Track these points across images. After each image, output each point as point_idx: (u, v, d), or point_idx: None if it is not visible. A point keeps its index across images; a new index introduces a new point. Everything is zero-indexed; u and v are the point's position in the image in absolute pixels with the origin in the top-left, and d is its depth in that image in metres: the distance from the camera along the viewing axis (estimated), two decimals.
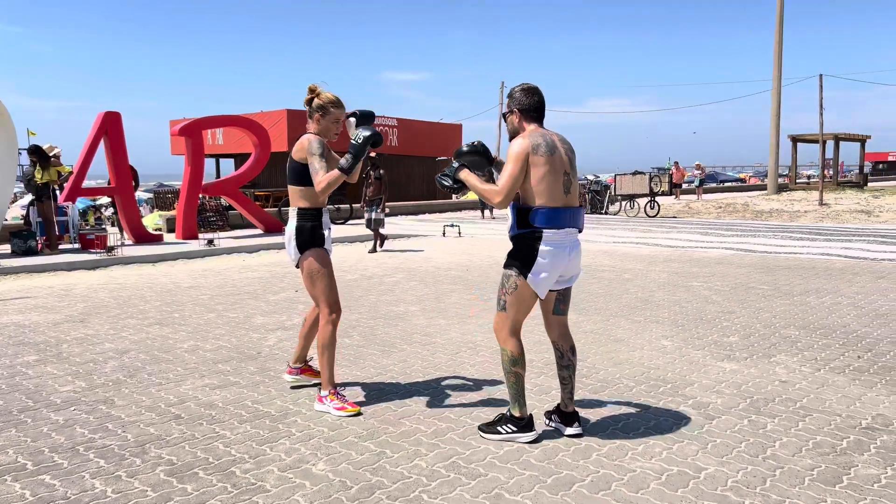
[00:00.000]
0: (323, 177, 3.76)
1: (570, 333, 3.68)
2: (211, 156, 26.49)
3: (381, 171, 11.62)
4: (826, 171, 33.78)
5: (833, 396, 4.13)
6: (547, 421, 3.70)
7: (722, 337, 5.59)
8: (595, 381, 4.46)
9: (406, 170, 25.35)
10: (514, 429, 3.49)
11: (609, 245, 12.46)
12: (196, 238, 12.81)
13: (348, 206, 17.73)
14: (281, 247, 12.14)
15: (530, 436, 3.48)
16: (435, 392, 4.27)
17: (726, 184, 45.42)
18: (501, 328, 3.53)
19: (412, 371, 4.72)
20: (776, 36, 31.70)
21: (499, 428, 3.52)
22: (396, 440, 3.53)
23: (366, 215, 11.63)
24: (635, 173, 21.93)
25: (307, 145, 3.84)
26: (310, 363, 4.44)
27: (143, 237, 12.49)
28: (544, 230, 3.38)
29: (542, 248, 3.37)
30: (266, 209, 16.67)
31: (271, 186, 21.71)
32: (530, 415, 3.54)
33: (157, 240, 12.66)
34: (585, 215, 20.23)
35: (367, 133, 3.78)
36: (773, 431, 3.60)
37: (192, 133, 13.21)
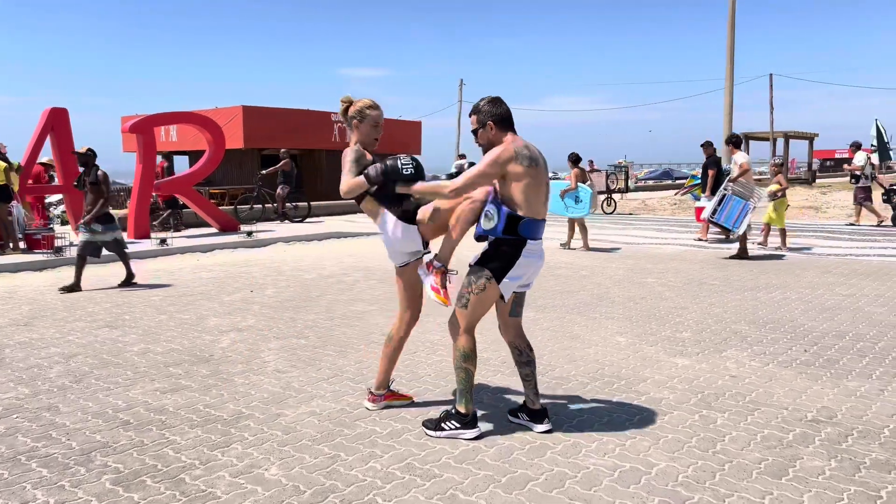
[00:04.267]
0: (349, 181, 3.67)
1: (524, 333, 3.73)
2: (164, 153, 25.94)
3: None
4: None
5: (781, 390, 4.23)
6: (514, 419, 3.72)
7: (675, 332, 5.68)
8: (551, 379, 4.49)
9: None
10: (458, 425, 3.51)
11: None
12: (148, 237, 12.53)
13: (306, 203, 17.54)
14: (236, 245, 11.97)
15: (473, 432, 3.50)
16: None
17: (679, 181, 46.23)
18: (457, 325, 3.54)
19: (369, 372, 4.68)
20: (728, 36, 32.35)
21: (442, 425, 3.54)
22: (351, 442, 3.50)
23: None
24: (592, 171, 22.17)
25: (342, 158, 3.78)
26: (391, 385, 4.06)
27: None
28: (528, 240, 3.42)
29: (522, 255, 3.42)
30: (221, 207, 16.40)
31: (227, 184, 21.36)
32: (474, 411, 3.56)
33: None
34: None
35: (414, 171, 3.56)
36: (723, 426, 3.67)
37: (143, 130, 12.91)
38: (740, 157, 10.55)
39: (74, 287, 7.77)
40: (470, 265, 3.55)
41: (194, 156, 22.46)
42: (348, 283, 8.21)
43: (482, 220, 3.48)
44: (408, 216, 3.71)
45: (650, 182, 41.99)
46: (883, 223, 14.13)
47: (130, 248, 11.17)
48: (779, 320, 6.07)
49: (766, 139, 34.95)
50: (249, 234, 13.11)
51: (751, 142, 42.78)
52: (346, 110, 3.89)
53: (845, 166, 16.28)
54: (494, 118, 3.48)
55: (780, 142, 37.28)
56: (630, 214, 19.25)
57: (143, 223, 12.93)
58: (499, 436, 3.56)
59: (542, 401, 3.74)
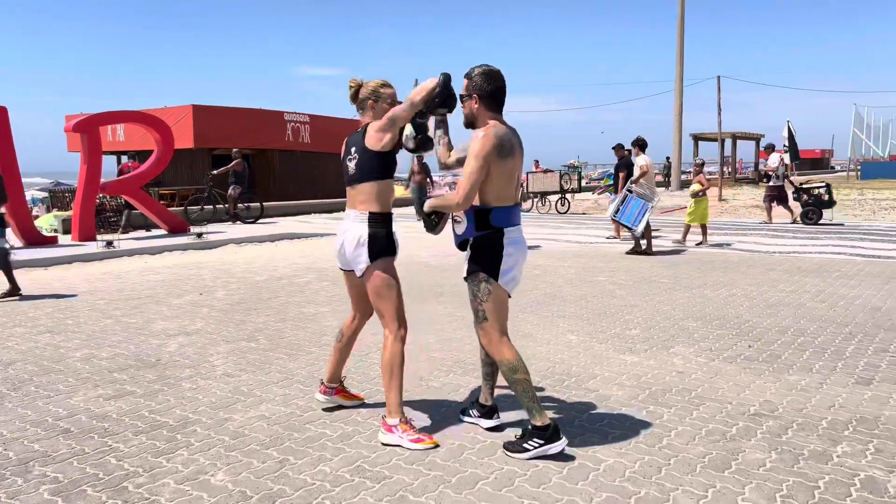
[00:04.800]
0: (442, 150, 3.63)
1: None
2: (112, 153, 25.29)
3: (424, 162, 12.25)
4: (725, 168, 35.50)
5: (725, 385, 4.33)
6: (463, 418, 3.71)
7: (624, 330, 5.77)
8: (502, 378, 4.50)
9: (320, 167, 24.97)
10: (542, 441, 3.23)
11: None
12: (94, 239, 12.19)
13: (258, 204, 17.29)
14: (185, 247, 11.73)
15: (560, 445, 3.23)
16: None
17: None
18: (491, 340, 3.34)
19: (320, 374, 4.63)
20: (678, 38, 33.03)
21: (525, 445, 3.26)
22: (301, 446, 3.46)
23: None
24: (546, 171, 22.39)
25: (380, 125, 3.47)
26: (344, 382, 4.02)
27: (35, 240, 11.78)
28: (505, 228, 3.30)
29: (506, 245, 3.30)
30: (171, 208, 16.06)
31: (177, 185, 20.94)
32: (553, 422, 3.27)
33: (50, 242, 11.97)
34: None
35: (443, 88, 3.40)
36: (668, 421, 3.74)
37: (87, 129, 12.56)
38: (642, 159, 11.13)
39: (13, 291, 7.49)
40: (464, 279, 3.40)
41: (143, 156, 21.97)
42: (301, 285, 8.13)
43: (454, 226, 3.38)
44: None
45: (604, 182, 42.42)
46: (795, 221, 14.88)
47: (76, 251, 10.87)
48: (725, 317, 6.21)
49: (715, 140, 35.77)
50: (199, 235, 12.87)
51: (700, 142, 43.76)
52: (356, 93, 3.67)
53: (760, 167, 17.38)
54: (481, 94, 3.30)
55: (728, 142, 38.19)
56: (583, 214, 19.51)
57: (89, 225, 12.59)
58: (450, 436, 3.56)
59: (495, 399, 3.74)
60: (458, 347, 5.28)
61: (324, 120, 25.10)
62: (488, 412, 3.63)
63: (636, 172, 10.90)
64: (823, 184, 15.03)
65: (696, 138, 44.22)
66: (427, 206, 3.45)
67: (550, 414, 3.85)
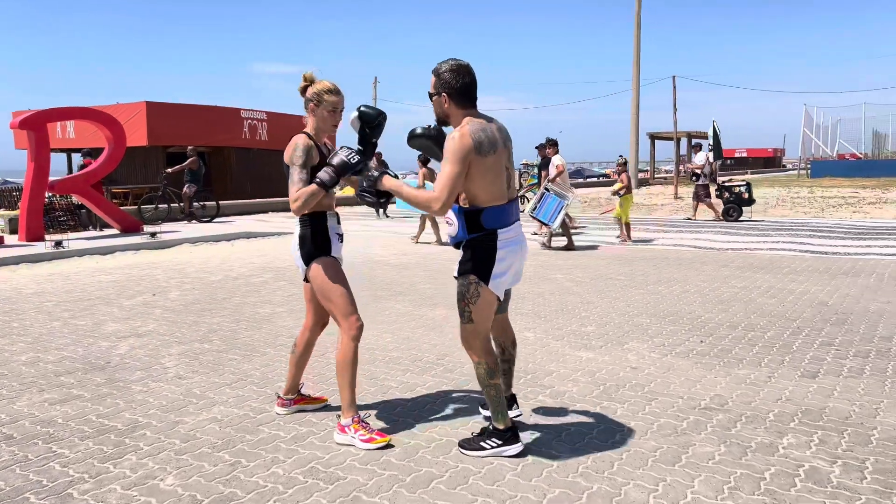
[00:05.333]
0: (300, 191, 3.36)
1: (511, 327, 3.62)
2: (61, 150, 24.64)
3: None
4: (681, 167, 36.15)
5: (677, 380, 4.41)
6: (482, 410, 3.71)
7: (580, 327, 5.83)
8: (459, 376, 4.51)
9: (277, 165, 24.67)
10: (500, 442, 3.26)
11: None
12: (42, 240, 11.85)
13: (214, 203, 17.02)
14: (138, 247, 11.49)
15: (517, 447, 3.27)
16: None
17: (590, 179, 47.59)
18: (472, 341, 3.25)
19: (275, 375, 4.58)
20: (635, 38, 33.50)
21: (482, 443, 3.28)
22: (253, 448, 3.41)
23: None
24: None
25: (291, 152, 3.43)
26: (301, 389, 3.95)
27: None
28: (498, 230, 3.16)
29: (499, 247, 3.16)
30: (124, 207, 15.71)
31: (130, 183, 20.48)
32: (512, 425, 3.30)
33: None
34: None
35: (362, 156, 3.39)
36: (622, 416, 3.79)
37: (35, 126, 12.20)
38: (557, 159, 11.77)
39: None
40: (455, 277, 3.28)
41: (95, 154, 21.44)
42: (256, 285, 8.02)
43: (448, 228, 3.28)
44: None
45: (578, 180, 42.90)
46: (719, 218, 15.53)
47: (24, 251, 10.54)
48: (678, 313, 6.32)
49: (671, 139, 36.40)
50: (153, 234, 12.61)
51: (656, 141, 44.48)
52: (304, 89, 3.56)
53: (687, 165, 18.36)
54: (450, 91, 3.16)
55: (684, 141, 38.87)
56: None
57: (37, 224, 12.23)
58: (405, 435, 3.55)
59: (449, 395, 3.75)
60: (415, 346, 5.27)
61: (281, 117, 24.81)
62: (507, 402, 3.52)
63: (552, 172, 11.54)
64: (744, 182, 15.80)
65: (653, 137, 44.94)
66: (403, 190, 3.23)
67: None
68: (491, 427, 3.32)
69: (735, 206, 15.36)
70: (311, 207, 3.46)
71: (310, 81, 3.56)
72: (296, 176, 3.40)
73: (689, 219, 15.90)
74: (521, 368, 4.67)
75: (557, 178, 11.22)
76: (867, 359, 4.81)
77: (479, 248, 3.17)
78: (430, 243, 11.82)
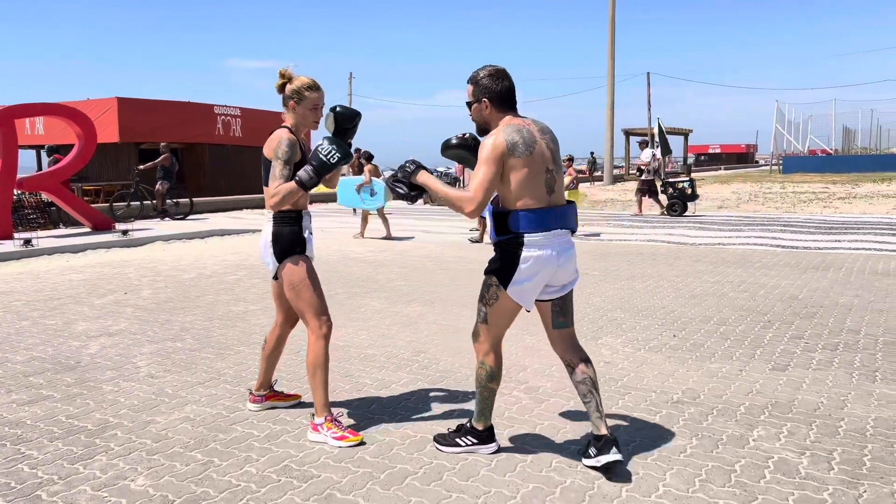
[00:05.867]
0: (279, 187, 3.33)
1: (580, 345, 3.30)
2: (31, 147, 24.19)
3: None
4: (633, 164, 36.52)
5: (650, 374, 4.45)
6: (585, 458, 3.11)
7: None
8: (434, 373, 4.52)
9: (251, 161, 24.46)
10: (475, 441, 3.27)
11: (457, 236, 12.72)
12: (11, 238, 11.63)
13: (188, 200, 16.83)
14: (110, 245, 11.33)
15: (491, 447, 3.28)
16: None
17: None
18: (483, 341, 3.21)
19: (248, 373, 4.54)
20: (609, 35, 33.70)
21: (458, 440, 3.29)
22: (226, 447, 3.38)
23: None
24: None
25: (275, 145, 3.39)
26: (275, 386, 3.97)
27: None
28: (526, 235, 3.01)
29: (524, 254, 3.01)
30: (95, 205, 15.48)
31: (102, 180, 20.17)
32: (491, 426, 3.30)
33: None
34: (441, 207, 20.48)
35: (341, 155, 3.33)
36: None
37: (2, 122, 11.96)
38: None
39: None
40: (484, 272, 3.21)
41: (65, 150, 21.11)
42: (230, 283, 7.95)
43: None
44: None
45: None
46: (663, 213, 16.15)
47: None
48: (651, 307, 6.38)
49: (645, 135, 36.74)
50: (125, 232, 12.44)
51: (631, 137, 44.82)
52: (282, 86, 3.53)
53: (633, 162, 19.00)
54: (491, 95, 3.08)
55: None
56: None
57: (5, 222, 12.00)
58: (379, 433, 3.54)
59: (422, 391, 3.74)
60: (390, 343, 5.26)
61: (255, 113, 24.59)
62: (604, 445, 3.04)
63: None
64: (688, 179, 16.42)
65: (627, 133, 45.33)
66: (437, 187, 3.14)
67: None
68: (469, 425, 3.31)
69: (679, 201, 15.91)
70: (287, 205, 3.43)
71: (287, 79, 3.53)
72: (277, 171, 3.37)
73: (636, 215, 16.32)
74: None
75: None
76: (835, 351, 4.90)
77: (504, 251, 3.07)
78: (377, 238, 12.24)
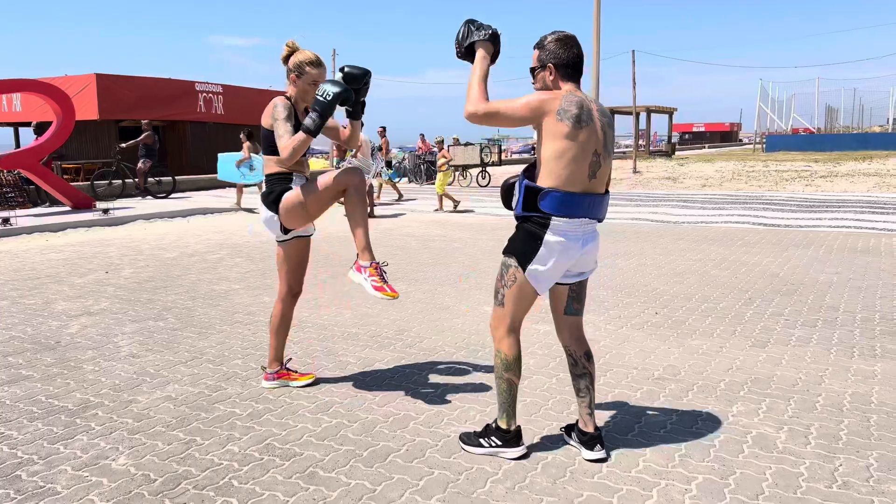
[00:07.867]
0: (287, 141, 3.34)
1: (585, 337, 3.18)
2: (8, 124, 23.80)
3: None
4: (640, 141, 36.54)
5: (632, 351, 4.48)
6: (566, 437, 3.17)
7: (539, 300, 5.85)
8: (418, 350, 4.52)
9: (234, 139, 24.19)
10: (500, 442, 3.03)
11: (441, 215, 12.70)
12: None
13: (171, 178, 16.65)
14: (91, 224, 11.21)
15: (517, 451, 3.02)
16: (253, 372, 4.12)
17: None
18: (498, 326, 3.01)
19: (231, 353, 4.53)
20: (594, 13, 33.52)
21: (482, 441, 3.07)
22: (209, 426, 3.37)
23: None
24: (467, 144, 22.47)
25: (271, 111, 3.45)
26: (288, 365, 3.99)
27: None
28: (553, 217, 2.82)
29: (547, 237, 2.83)
30: (76, 184, 15.28)
31: (82, 158, 19.89)
32: (518, 427, 3.06)
33: None
34: (422, 185, 20.41)
35: (337, 89, 3.29)
36: None
37: None
38: (362, 134, 12.73)
39: None
40: (502, 252, 3.02)
41: (44, 127, 20.77)
42: (213, 262, 7.90)
43: (514, 196, 2.98)
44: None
45: (525, 156, 43.21)
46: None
47: None
48: (634, 285, 6.42)
49: (630, 113, 36.70)
50: (106, 211, 12.30)
51: (616, 115, 44.72)
52: (287, 57, 3.58)
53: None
54: (558, 62, 2.87)
55: (643, 115, 39.24)
56: None
57: None
58: (362, 412, 3.55)
59: (408, 368, 3.74)
60: (374, 322, 5.26)
61: (238, 90, 24.28)
62: (589, 440, 3.03)
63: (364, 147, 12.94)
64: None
65: (612, 112, 45.21)
66: (476, 68, 2.91)
67: (462, 381, 3.89)
68: (494, 424, 3.09)
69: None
70: (299, 157, 3.45)
71: (293, 49, 3.59)
72: (281, 129, 3.40)
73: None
74: (478, 343, 4.69)
75: (358, 153, 11.86)
76: (814, 328, 4.96)
77: (526, 230, 2.88)
78: (255, 211, 12.69)
